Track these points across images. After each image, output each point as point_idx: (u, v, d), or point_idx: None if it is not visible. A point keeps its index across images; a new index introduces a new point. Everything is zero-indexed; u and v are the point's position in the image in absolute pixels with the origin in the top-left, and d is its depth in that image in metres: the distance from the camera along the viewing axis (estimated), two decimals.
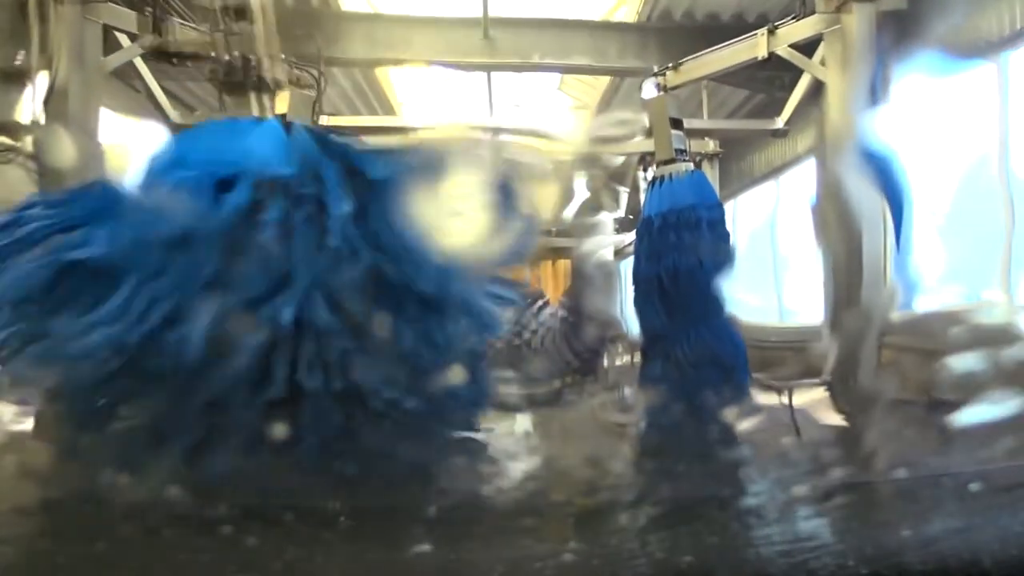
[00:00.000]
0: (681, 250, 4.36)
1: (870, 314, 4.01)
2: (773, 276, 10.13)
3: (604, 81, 9.90)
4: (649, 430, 4.28)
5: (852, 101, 4.16)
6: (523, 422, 6.92)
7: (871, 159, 4.10)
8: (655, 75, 4.69)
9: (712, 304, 4.39)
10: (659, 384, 4.38)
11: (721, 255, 4.48)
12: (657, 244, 4.51)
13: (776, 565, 1.73)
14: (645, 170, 6.06)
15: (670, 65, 4.66)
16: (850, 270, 4.19)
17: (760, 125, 6.07)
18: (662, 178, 4.61)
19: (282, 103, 4.60)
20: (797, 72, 6.20)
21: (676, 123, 4.65)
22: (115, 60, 4.33)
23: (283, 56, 4.73)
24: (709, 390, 4.24)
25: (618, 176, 8.04)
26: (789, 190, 10.63)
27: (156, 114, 5.81)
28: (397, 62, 7.86)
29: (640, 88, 4.83)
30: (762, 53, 4.43)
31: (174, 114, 5.61)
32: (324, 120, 5.75)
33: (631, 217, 7.57)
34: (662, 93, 4.65)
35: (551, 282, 9.19)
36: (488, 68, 8.26)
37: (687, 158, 4.67)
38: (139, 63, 4.92)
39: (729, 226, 4.66)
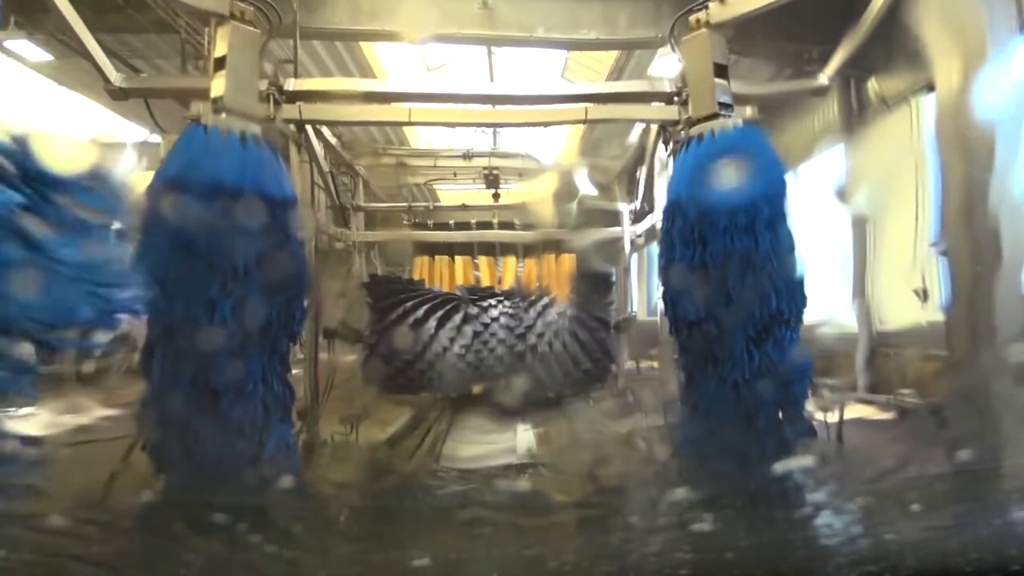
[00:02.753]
0: (733, 232, 3.17)
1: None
2: None
3: (609, 62, 8.77)
4: (691, 463, 3.11)
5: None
6: (526, 436, 5.80)
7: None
8: (694, 9, 3.50)
9: (772, 302, 3.20)
10: (704, 404, 3.21)
11: (784, 237, 3.29)
12: (698, 224, 3.33)
13: None
14: (666, 144, 4.86)
15: None
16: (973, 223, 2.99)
17: (800, 85, 4.91)
18: (701, 137, 3.42)
19: (221, 42, 3.45)
20: (827, 44, 5.11)
21: (720, 70, 3.46)
22: None
23: None
24: (770, 413, 3.07)
25: (631, 163, 6.90)
26: (805, 181, 9.46)
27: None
28: (384, 34, 6.68)
29: (672, 27, 3.63)
30: None
31: (116, 76, 4.40)
32: (292, 85, 4.59)
33: (646, 206, 6.40)
34: (703, 30, 3.46)
35: (555, 279, 7.97)
36: (487, 41, 7.09)
37: (732, 114, 3.48)
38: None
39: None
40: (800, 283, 3.32)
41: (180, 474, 3.01)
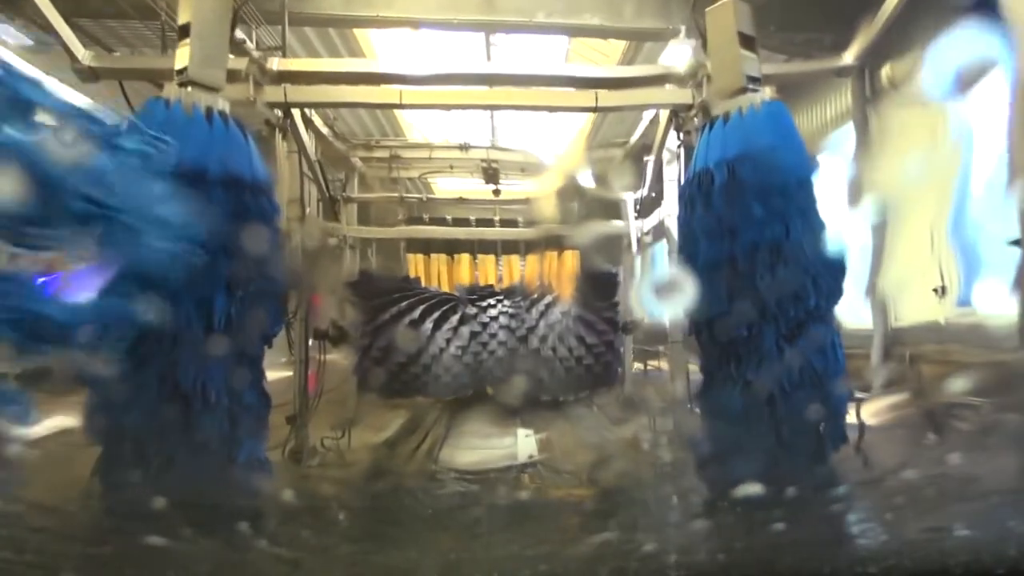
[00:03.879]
0: (763, 218, 2.75)
1: None
2: None
3: (615, 57, 8.35)
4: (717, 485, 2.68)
5: None
6: (527, 442, 5.38)
7: None
8: None
9: (807, 296, 2.78)
10: (728, 412, 2.78)
11: (815, 222, 2.88)
12: (721, 209, 2.91)
13: None
14: (678, 132, 4.44)
15: None
16: None
17: (823, 65, 4.51)
18: (727, 115, 3.01)
19: (185, 5, 3.03)
20: (841, 34, 4.72)
21: (747, 41, 3.05)
22: None
23: None
24: (805, 424, 2.65)
25: (638, 151, 6.47)
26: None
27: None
28: (380, 21, 6.27)
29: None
30: None
31: (85, 55, 3.98)
32: (277, 64, 4.17)
33: (654, 195, 5.97)
34: None
35: (558, 278, 7.52)
36: (485, 28, 6.69)
37: (760, 89, 3.07)
38: None
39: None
40: (836, 271, 2.91)
41: (133, 490, 2.59)
